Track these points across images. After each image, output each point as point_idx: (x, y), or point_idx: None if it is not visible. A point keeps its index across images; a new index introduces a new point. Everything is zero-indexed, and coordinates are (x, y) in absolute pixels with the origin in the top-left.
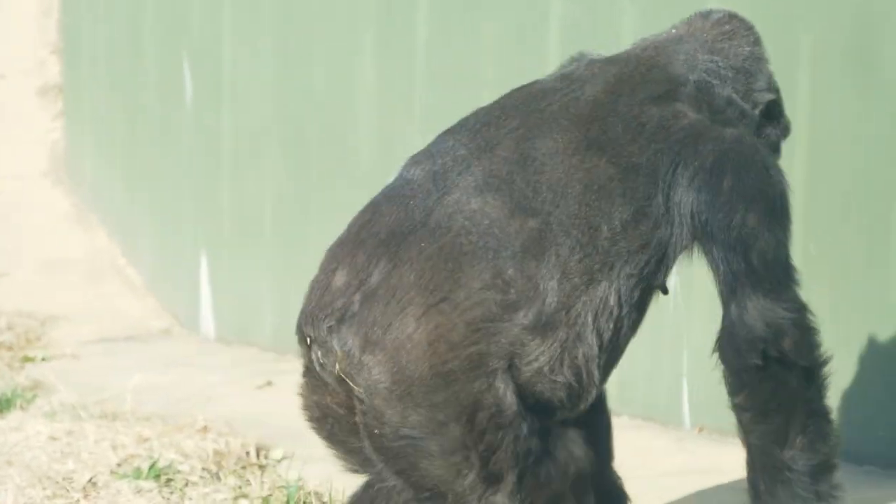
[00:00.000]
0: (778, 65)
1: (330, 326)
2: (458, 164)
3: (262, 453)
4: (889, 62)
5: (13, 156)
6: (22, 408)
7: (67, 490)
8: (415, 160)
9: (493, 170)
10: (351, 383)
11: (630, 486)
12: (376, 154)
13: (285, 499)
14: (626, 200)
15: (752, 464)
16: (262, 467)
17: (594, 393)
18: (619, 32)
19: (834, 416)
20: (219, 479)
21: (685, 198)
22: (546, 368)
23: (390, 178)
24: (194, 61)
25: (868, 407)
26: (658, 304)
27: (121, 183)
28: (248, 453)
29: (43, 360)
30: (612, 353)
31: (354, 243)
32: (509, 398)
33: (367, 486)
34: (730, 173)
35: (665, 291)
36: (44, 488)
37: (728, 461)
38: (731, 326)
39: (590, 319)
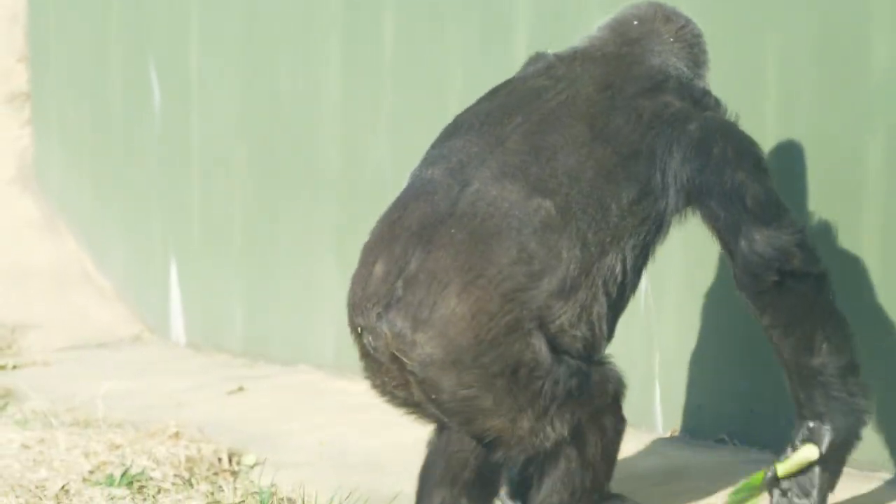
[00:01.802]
0: (745, 66)
1: (378, 313)
2: (473, 160)
3: (235, 459)
4: (857, 62)
5: None
6: None
7: (40, 498)
8: (428, 163)
9: (506, 161)
10: (404, 359)
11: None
12: (343, 160)
13: None
14: (630, 183)
15: (789, 378)
16: (234, 473)
17: (605, 345)
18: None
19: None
20: (191, 485)
21: (679, 169)
22: (567, 325)
23: (404, 183)
24: (161, 68)
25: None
26: (629, 305)
27: (89, 190)
28: (220, 459)
29: (14, 367)
30: (616, 311)
31: (390, 238)
32: (544, 352)
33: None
34: (716, 143)
35: None
36: (17, 496)
37: (700, 464)
38: (744, 257)
39: (600, 283)
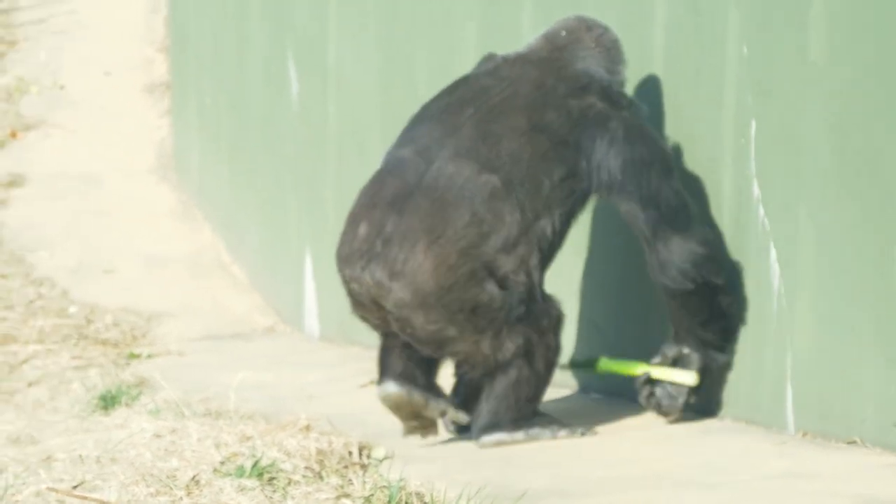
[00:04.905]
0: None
1: (362, 266)
2: (435, 143)
3: (365, 452)
4: None
5: (120, 153)
6: (127, 405)
7: (171, 488)
8: (399, 145)
9: (461, 144)
10: (383, 302)
11: (732, 490)
12: None
13: (387, 499)
14: (560, 164)
15: (674, 322)
16: (363, 467)
17: (538, 288)
18: (724, 32)
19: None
20: (321, 478)
21: (602, 162)
22: (511, 273)
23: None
24: (299, 57)
25: None
26: (762, 306)
27: (226, 179)
28: (350, 452)
29: (148, 357)
30: (546, 263)
31: (371, 206)
32: (496, 291)
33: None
34: (634, 144)
35: None
36: (147, 486)
37: (831, 466)
38: (664, 262)
39: (535, 241)
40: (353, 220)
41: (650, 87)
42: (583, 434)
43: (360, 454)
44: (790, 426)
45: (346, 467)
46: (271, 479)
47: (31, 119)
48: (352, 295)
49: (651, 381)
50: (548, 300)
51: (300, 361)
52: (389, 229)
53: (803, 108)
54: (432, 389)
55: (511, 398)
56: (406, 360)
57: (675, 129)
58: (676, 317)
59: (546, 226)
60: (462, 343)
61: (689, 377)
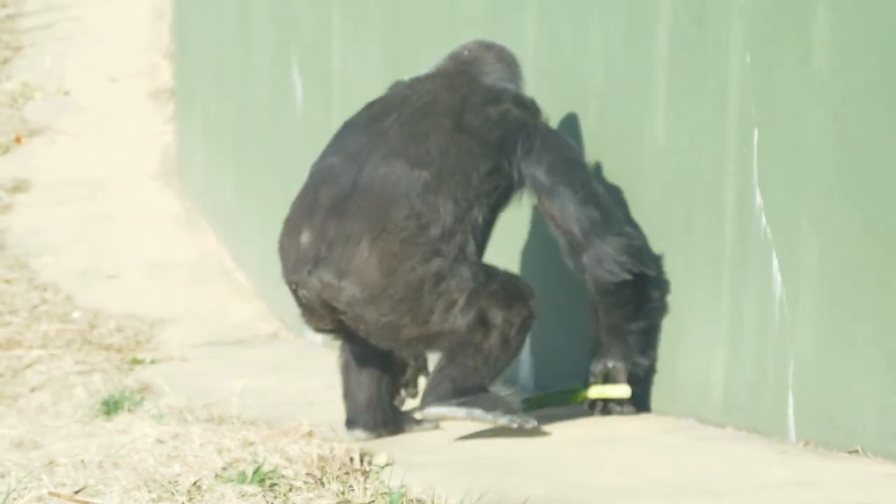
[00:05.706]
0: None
1: (309, 271)
2: (363, 149)
3: (366, 459)
4: None
5: (125, 158)
6: (130, 410)
7: (172, 493)
8: (326, 155)
9: (390, 146)
10: (335, 303)
11: (733, 498)
12: None
13: None
14: (485, 160)
15: (599, 325)
16: (365, 473)
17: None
18: (727, 41)
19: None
20: (322, 484)
21: (525, 164)
22: (452, 258)
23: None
24: (304, 64)
25: None
26: (764, 314)
27: (230, 186)
28: (352, 459)
29: (151, 362)
30: (480, 250)
31: (309, 214)
32: (443, 263)
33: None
34: (557, 147)
35: None
36: (149, 491)
37: (833, 475)
38: (601, 256)
39: (470, 229)
40: (292, 230)
41: (652, 95)
42: (532, 427)
43: (362, 460)
44: (791, 435)
45: (347, 473)
46: (273, 485)
47: (35, 125)
48: (301, 303)
49: (593, 401)
50: (518, 281)
51: (303, 367)
52: (332, 234)
53: (806, 118)
54: (396, 418)
55: (460, 368)
56: (369, 381)
57: (678, 137)
58: (603, 313)
59: (478, 215)
60: (415, 328)
61: (622, 390)
